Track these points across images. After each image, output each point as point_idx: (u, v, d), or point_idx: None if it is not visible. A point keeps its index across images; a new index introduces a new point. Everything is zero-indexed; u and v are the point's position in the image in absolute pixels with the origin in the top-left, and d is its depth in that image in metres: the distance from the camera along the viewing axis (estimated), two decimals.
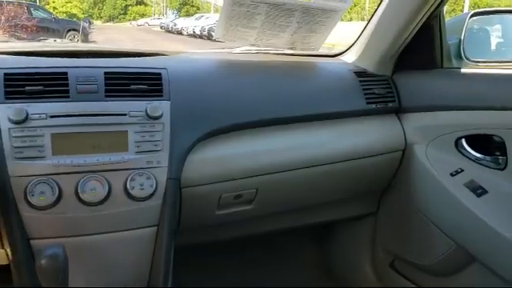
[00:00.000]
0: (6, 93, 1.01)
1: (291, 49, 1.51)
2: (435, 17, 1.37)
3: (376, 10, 1.46)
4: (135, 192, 1.03)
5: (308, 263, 1.99)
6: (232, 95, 1.25)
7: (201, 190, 1.18)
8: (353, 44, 1.60)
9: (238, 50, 1.60)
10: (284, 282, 1.85)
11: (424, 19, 1.33)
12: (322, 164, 1.34)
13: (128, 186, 1.03)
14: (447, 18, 1.50)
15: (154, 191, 1.05)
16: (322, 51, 1.63)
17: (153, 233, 1.09)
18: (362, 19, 26.05)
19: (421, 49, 1.44)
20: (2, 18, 12.05)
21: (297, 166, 1.30)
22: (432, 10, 1.30)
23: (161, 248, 1.09)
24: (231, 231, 1.45)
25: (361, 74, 1.47)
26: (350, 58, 1.57)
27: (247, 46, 1.55)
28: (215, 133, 1.17)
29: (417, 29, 1.35)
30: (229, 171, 1.20)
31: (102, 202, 1.02)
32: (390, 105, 1.46)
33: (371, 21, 1.48)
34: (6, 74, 1.03)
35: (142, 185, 1.04)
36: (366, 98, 1.42)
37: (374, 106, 1.43)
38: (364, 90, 1.42)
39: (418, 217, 1.46)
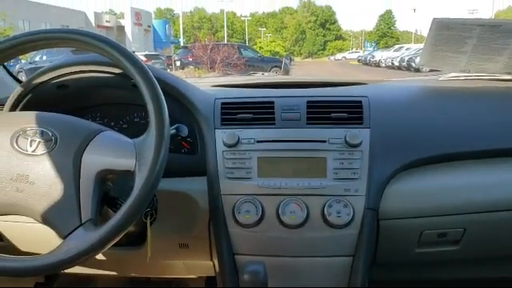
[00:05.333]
0: (222, 119, 1.13)
1: (510, 73, 1.34)
2: None
3: None
4: (332, 219, 1.03)
5: None
6: (438, 124, 1.16)
7: (400, 224, 1.11)
8: None
9: (444, 77, 1.49)
10: None
11: None
12: None
13: (325, 212, 1.03)
14: None
15: (351, 220, 1.03)
16: None
17: (348, 263, 1.07)
18: None
19: None
20: (218, 58, 13.76)
21: None
22: None
23: (356, 280, 1.06)
24: (432, 272, 1.33)
25: None
26: None
27: (455, 73, 1.44)
28: (418, 163, 1.10)
29: None
30: (432, 206, 1.10)
31: (300, 226, 1.04)
32: None
33: None
34: (222, 104, 1.16)
35: (338, 212, 1.03)
36: None
37: None
38: None
39: None
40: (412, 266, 1.29)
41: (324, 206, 1.03)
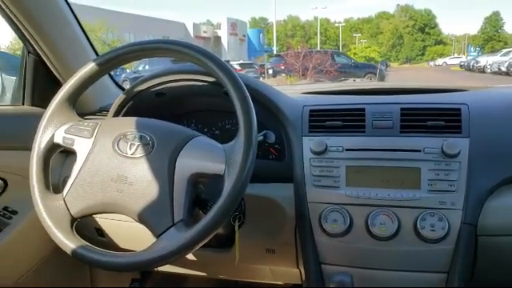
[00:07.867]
0: (310, 127, 1.12)
1: None
2: None
3: None
4: (425, 232, 0.98)
5: None
6: None
7: (501, 241, 1.02)
8: None
9: None
10: None
11: None
12: None
13: (418, 226, 0.98)
14: None
15: (446, 234, 0.97)
16: None
17: (442, 279, 1.00)
18: None
19: None
20: (310, 65, 13.72)
21: None
22: None
23: None
24: None
25: None
26: None
27: None
28: None
29: None
30: None
31: (390, 238, 1.00)
32: None
33: None
34: (311, 111, 1.15)
35: (432, 226, 0.97)
36: None
37: None
38: None
39: None
40: None
41: (417, 219, 0.99)
